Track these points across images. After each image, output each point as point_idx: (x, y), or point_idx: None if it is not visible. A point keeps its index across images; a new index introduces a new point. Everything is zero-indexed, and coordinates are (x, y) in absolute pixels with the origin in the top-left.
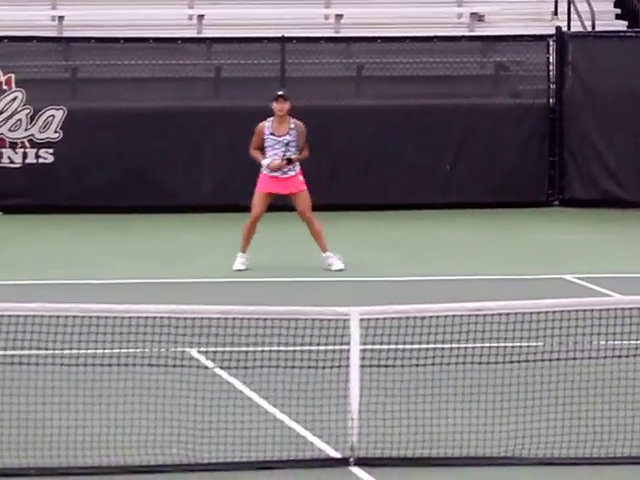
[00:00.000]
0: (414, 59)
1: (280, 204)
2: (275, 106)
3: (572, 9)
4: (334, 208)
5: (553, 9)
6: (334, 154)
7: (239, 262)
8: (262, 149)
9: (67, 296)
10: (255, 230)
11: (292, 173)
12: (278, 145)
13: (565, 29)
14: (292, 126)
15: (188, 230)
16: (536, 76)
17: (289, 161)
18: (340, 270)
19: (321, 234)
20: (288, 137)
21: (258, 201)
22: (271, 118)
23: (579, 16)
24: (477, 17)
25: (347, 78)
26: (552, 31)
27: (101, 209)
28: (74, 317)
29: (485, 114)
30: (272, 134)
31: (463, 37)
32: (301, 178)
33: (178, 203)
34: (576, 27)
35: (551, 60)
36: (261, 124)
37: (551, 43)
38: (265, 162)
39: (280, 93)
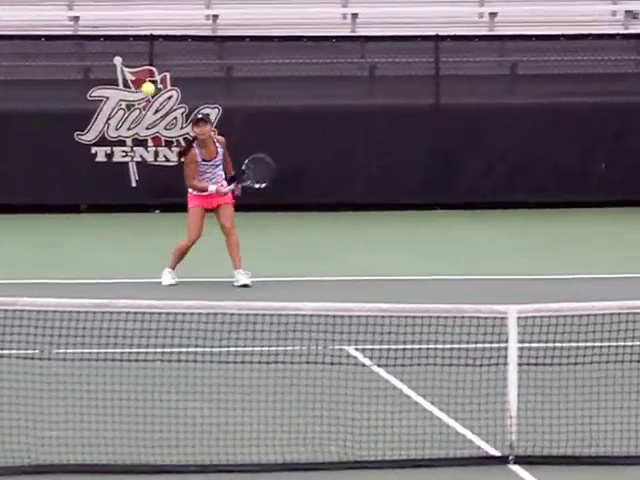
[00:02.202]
0: (567, 57)
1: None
2: (196, 130)
3: None
4: (489, 206)
5: None
6: (488, 152)
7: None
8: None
9: (222, 293)
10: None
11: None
12: (210, 169)
13: None
14: (218, 146)
15: (341, 228)
16: None
17: (238, 182)
18: (245, 286)
19: (237, 248)
20: (217, 159)
21: (195, 219)
22: (195, 143)
23: None
24: (632, 15)
25: (501, 76)
26: None
27: (258, 207)
28: (231, 314)
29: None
30: (204, 160)
31: (617, 35)
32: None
33: (332, 201)
34: None
35: None
36: (192, 152)
37: None
38: (212, 188)
39: (200, 116)
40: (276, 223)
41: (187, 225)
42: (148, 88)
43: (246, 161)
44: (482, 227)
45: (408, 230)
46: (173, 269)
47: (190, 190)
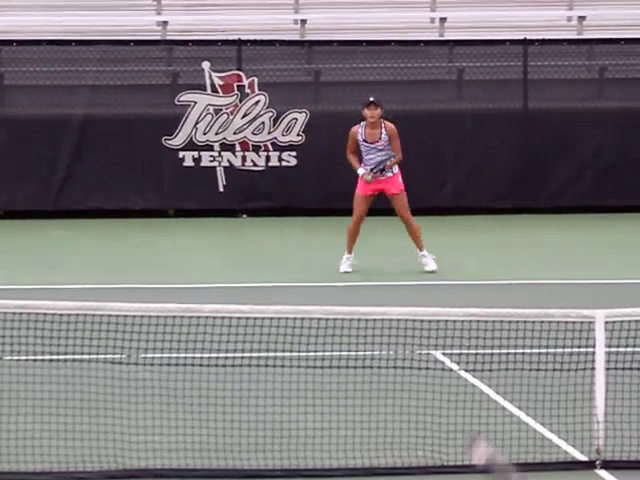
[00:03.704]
0: None
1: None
2: (366, 112)
3: None
4: (578, 210)
5: None
6: (576, 155)
7: (345, 264)
8: (358, 153)
9: (309, 298)
10: (359, 232)
11: (390, 174)
12: (372, 152)
13: None
14: (383, 132)
15: (429, 232)
16: None
17: (381, 171)
18: (432, 272)
19: (418, 234)
20: (380, 144)
21: (359, 204)
22: (363, 123)
23: None
24: None
25: (589, 80)
26: None
27: (345, 212)
28: (319, 319)
29: None
30: (365, 141)
31: None
32: (400, 180)
33: (418, 205)
34: None
35: None
36: (354, 128)
37: None
38: (360, 172)
39: (371, 99)
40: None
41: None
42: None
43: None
44: (571, 231)
45: (496, 234)
46: (350, 253)
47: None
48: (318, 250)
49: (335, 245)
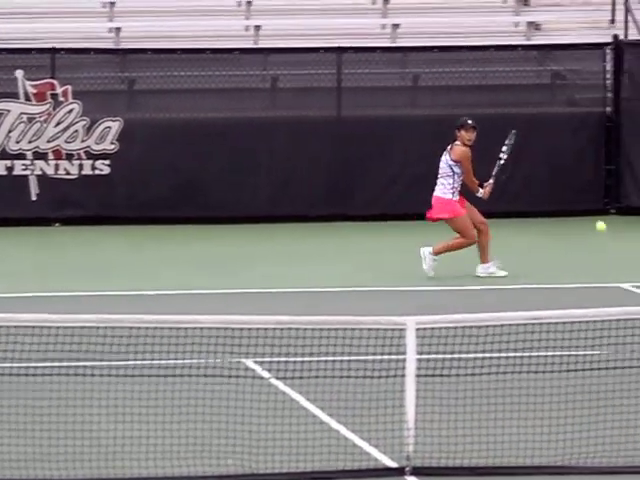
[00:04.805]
0: (470, 68)
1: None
2: (470, 136)
3: (629, 17)
4: (391, 217)
5: (610, 17)
6: (391, 163)
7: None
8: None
9: (124, 307)
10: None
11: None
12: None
13: (622, 37)
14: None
15: (243, 241)
16: (593, 84)
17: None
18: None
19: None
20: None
21: (468, 223)
22: (456, 143)
23: (636, 24)
24: (534, 26)
25: (403, 88)
26: (609, 39)
27: (157, 220)
28: (130, 328)
29: (542, 123)
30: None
31: (520, 46)
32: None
33: (234, 214)
34: (633, 35)
35: (608, 68)
36: (466, 150)
37: (608, 51)
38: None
39: (470, 122)
40: (176, 235)
41: (461, 230)
42: (601, 227)
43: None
44: (384, 238)
45: (309, 242)
46: (487, 262)
47: (450, 196)
48: (132, 259)
49: (150, 253)
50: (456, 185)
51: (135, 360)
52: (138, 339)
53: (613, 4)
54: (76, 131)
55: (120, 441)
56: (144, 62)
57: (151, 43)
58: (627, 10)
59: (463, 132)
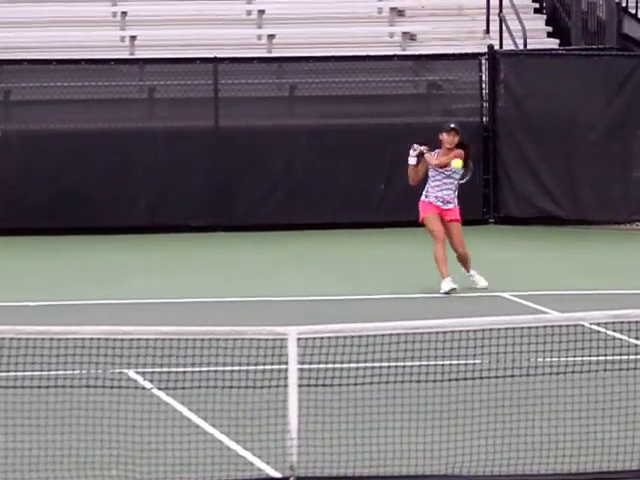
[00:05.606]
0: (346, 78)
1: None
2: (445, 137)
3: (504, 27)
4: (269, 228)
5: (485, 27)
6: (269, 174)
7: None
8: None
9: (2, 318)
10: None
11: (451, 205)
12: (439, 177)
13: (497, 47)
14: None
15: (122, 251)
16: (469, 95)
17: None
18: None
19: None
20: (450, 170)
21: (434, 223)
22: (438, 150)
23: (511, 34)
24: (409, 36)
25: (280, 98)
26: (484, 49)
27: (34, 231)
28: (10, 339)
29: (418, 133)
30: (436, 165)
31: (395, 56)
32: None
33: (112, 224)
34: (508, 45)
35: (483, 78)
36: (427, 155)
37: (483, 61)
38: (432, 198)
39: (453, 126)
40: (54, 246)
41: (430, 232)
42: (457, 163)
43: None
44: (262, 249)
45: (188, 253)
46: (446, 276)
47: (423, 197)
48: (12, 270)
49: (29, 264)
50: (429, 188)
51: (16, 372)
52: (19, 350)
53: (488, 15)
54: None
55: (2, 452)
56: (19, 73)
57: (26, 54)
58: (502, 20)
59: (445, 135)
